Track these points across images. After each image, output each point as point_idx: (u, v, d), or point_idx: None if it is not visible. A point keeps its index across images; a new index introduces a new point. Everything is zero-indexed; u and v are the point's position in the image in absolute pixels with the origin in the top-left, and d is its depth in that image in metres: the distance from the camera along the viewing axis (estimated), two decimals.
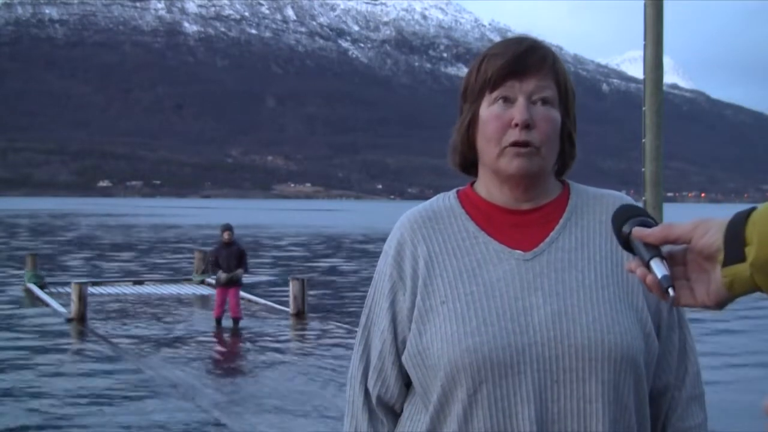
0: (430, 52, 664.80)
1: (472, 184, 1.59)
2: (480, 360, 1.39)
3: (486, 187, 1.55)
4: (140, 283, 19.72)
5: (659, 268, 1.06)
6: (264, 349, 11.87)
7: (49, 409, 8.21)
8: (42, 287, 17.84)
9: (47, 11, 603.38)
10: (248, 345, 12.31)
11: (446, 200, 1.58)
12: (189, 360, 10.86)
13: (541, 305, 1.42)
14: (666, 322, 1.51)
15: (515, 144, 1.46)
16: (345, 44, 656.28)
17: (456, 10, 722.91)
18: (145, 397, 8.72)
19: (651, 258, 1.07)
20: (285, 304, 15.43)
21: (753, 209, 0.98)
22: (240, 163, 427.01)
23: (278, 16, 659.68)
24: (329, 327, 13.82)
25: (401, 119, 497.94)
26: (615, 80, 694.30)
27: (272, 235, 48.23)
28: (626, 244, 1.15)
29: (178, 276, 21.56)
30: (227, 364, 11.20)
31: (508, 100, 1.48)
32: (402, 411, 1.56)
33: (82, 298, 14.03)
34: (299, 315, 14.66)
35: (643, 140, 5.97)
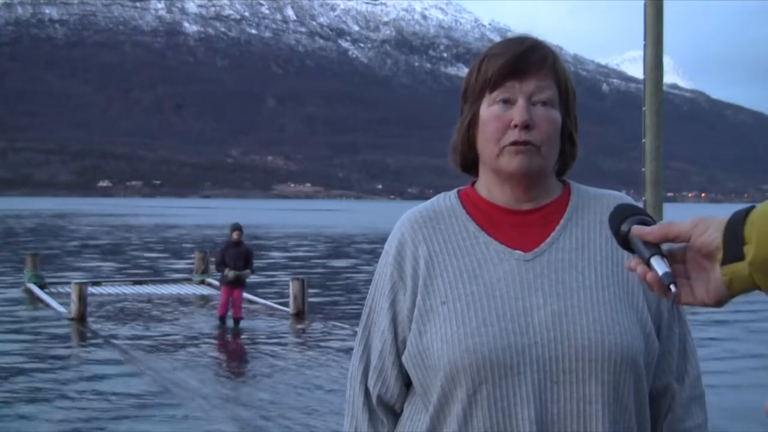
0: (430, 52, 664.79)
1: (473, 184, 1.60)
2: (480, 360, 1.39)
3: (487, 187, 1.55)
4: (140, 283, 19.72)
5: (660, 266, 1.06)
6: (264, 349, 11.87)
7: (50, 410, 8.20)
8: (42, 287, 17.84)
9: (47, 11, 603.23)
10: (248, 345, 12.32)
11: (447, 200, 1.58)
12: (189, 360, 10.86)
13: (542, 306, 1.43)
14: (666, 322, 1.51)
15: (515, 143, 1.46)
16: (345, 44, 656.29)
17: (456, 10, 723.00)
18: (146, 397, 8.73)
19: (651, 255, 1.07)
20: (285, 303, 15.45)
21: (752, 208, 0.99)
22: (240, 163, 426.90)
23: (278, 16, 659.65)
24: (329, 327, 13.82)
25: (401, 119, 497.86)
26: (615, 80, 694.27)
27: (272, 235, 48.21)
28: (625, 242, 1.15)
29: (178, 276, 21.56)
30: (227, 363, 11.21)
31: (508, 101, 1.48)
32: (402, 411, 1.56)
33: (82, 298, 14.04)
34: (299, 315, 14.66)
35: (643, 140, 5.97)
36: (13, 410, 8.14)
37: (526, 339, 1.40)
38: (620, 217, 1.17)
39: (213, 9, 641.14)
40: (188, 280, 20.17)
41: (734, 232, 0.98)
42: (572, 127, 1.54)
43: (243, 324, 13.63)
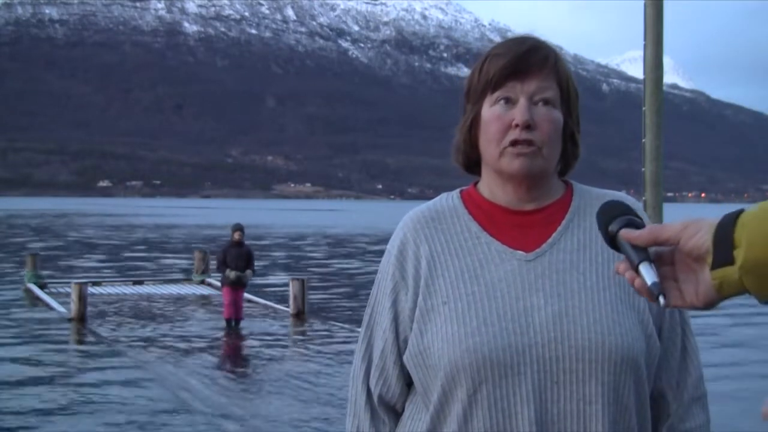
0: (430, 52, 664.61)
1: (476, 184, 1.60)
2: (480, 360, 1.40)
3: (489, 187, 1.55)
4: (140, 283, 19.72)
5: (648, 274, 1.05)
6: (263, 349, 11.88)
7: (49, 411, 8.22)
8: (42, 287, 17.85)
9: (47, 11, 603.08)
10: (248, 345, 12.32)
11: (449, 200, 1.59)
12: (189, 360, 10.87)
13: (542, 306, 1.43)
14: (668, 323, 1.52)
15: (516, 142, 1.46)
16: (345, 44, 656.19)
17: (456, 10, 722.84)
18: (146, 397, 8.74)
19: (640, 262, 1.06)
20: (285, 303, 15.46)
21: (741, 211, 0.98)
22: (240, 163, 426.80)
23: (278, 16, 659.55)
24: (329, 327, 13.83)
25: (401, 119, 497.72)
26: (615, 80, 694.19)
27: (272, 235, 48.21)
28: (612, 242, 1.14)
29: (178, 276, 21.56)
30: (227, 363, 11.21)
31: (509, 101, 1.48)
32: (403, 410, 1.57)
33: (82, 298, 14.05)
34: (299, 315, 14.67)
35: (643, 140, 5.97)
36: (12, 410, 8.16)
37: (527, 339, 1.40)
38: (608, 215, 1.16)
39: (213, 9, 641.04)
40: (188, 280, 20.18)
41: (724, 236, 0.97)
42: (574, 127, 1.54)
43: (243, 324, 13.63)
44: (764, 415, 0.96)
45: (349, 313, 15.58)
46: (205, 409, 8.36)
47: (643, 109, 5.98)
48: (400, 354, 1.53)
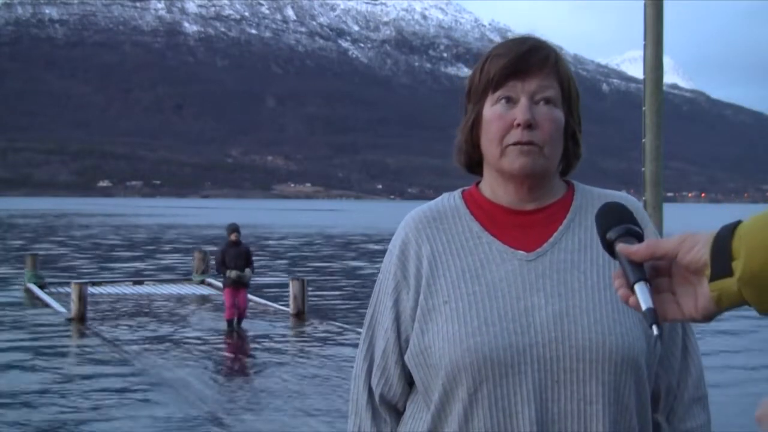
0: (430, 52, 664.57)
1: (478, 184, 1.60)
2: (480, 360, 1.40)
3: (491, 187, 1.56)
4: (140, 283, 19.72)
5: (644, 297, 1.04)
6: (263, 349, 11.88)
7: (50, 411, 8.20)
8: (42, 287, 17.85)
9: (47, 11, 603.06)
10: (248, 345, 12.32)
11: (451, 200, 1.59)
12: (189, 360, 10.85)
13: (543, 306, 1.43)
14: (669, 323, 1.44)
15: (518, 143, 1.46)
16: (345, 44, 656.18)
17: (456, 10, 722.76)
18: (146, 397, 8.74)
19: (636, 281, 1.05)
20: (285, 303, 15.46)
21: (739, 222, 0.98)
22: (240, 163, 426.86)
23: (278, 16, 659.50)
24: (329, 327, 13.82)
25: (401, 119, 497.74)
26: (615, 80, 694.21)
27: (273, 235, 48.21)
28: (610, 249, 1.13)
29: (178, 276, 21.56)
30: (227, 363, 11.21)
31: (510, 100, 1.48)
32: (405, 409, 1.57)
33: (82, 298, 14.04)
34: (299, 315, 14.66)
35: (643, 140, 5.96)
36: (12, 409, 8.15)
37: (527, 338, 1.41)
38: (606, 221, 1.15)
39: (213, 9, 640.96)
40: (188, 280, 20.17)
41: (722, 248, 0.96)
42: (575, 127, 1.55)
43: (243, 324, 13.61)
44: (757, 418, 0.96)
45: (350, 313, 15.58)
46: (205, 408, 8.34)
47: (643, 109, 5.96)
48: (401, 353, 1.53)
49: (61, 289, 17.52)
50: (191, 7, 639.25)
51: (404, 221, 1.59)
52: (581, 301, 1.43)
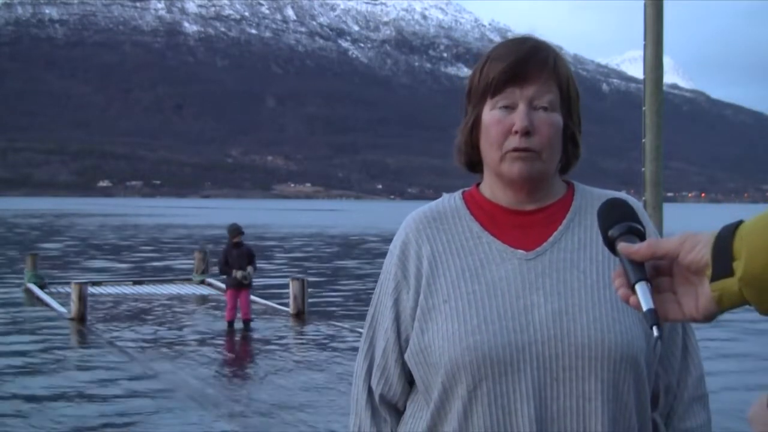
0: (430, 52, 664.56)
1: (478, 185, 1.61)
2: (480, 358, 1.40)
3: (490, 188, 1.57)
4: (140, 283, 19.71)
5: (645, 297, 1.04)
6: (264, 349, 11.87)
7: (49, 410, 8.16)
8: (42, 287, 17.84)
9: (47, 11, 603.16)
10: (248, 345, 12.31)
11: (452, 201, 1.60)
12: (190, 360, 10.84)
13: (542, 304, 1.44)
14: (670, 322, 1.42)
15: (515, 150, 1.47)
16: (345, 44, 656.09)
17: (456, 10, 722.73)
18: (146, 398, 8.72)
19: (637, 281, 1.05)
20: (285, 303, 15.44)
21: (740, 223, 0.98)
22: (240, 163, 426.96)
23: (278, 16, 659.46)
24: (329, 327, 13.81)
25: (401, 119, 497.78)
26: (615, 80, 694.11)
27: (272, 235, 48.21)
28: (611, 246, 1.13)
29: (178, 276, 21.55)
30: (228, 364, 11.20)
31: (509, 106, 1.49)
32: (405, 409, 1.58)
33: (82, 298, 14.02)
34: (299, 315, 14.65)
35: (643, 140, 5.97)
36: (12, 409, 8.11)
37: (526, 337, 1.41)
38: (609, 218, 1.15)
39: (213, 9, 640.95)
40: (188, 280, 20.16)
41: (723, 248, 0.97)
42: (575, 129, 1.55)
43: (241, 325, 13.60)
44: (749, 418, 0.96)
45: (350, 313, 15.57)
46: (205, 408, 8.33)
47: (643, 109, 5.96)
48: (401, 353, 1.54)
49: (61, 289, 17.52)
50: (191, 7, 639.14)
51: (405, 222, 1.60)
52: (580, 300, 1.44)
